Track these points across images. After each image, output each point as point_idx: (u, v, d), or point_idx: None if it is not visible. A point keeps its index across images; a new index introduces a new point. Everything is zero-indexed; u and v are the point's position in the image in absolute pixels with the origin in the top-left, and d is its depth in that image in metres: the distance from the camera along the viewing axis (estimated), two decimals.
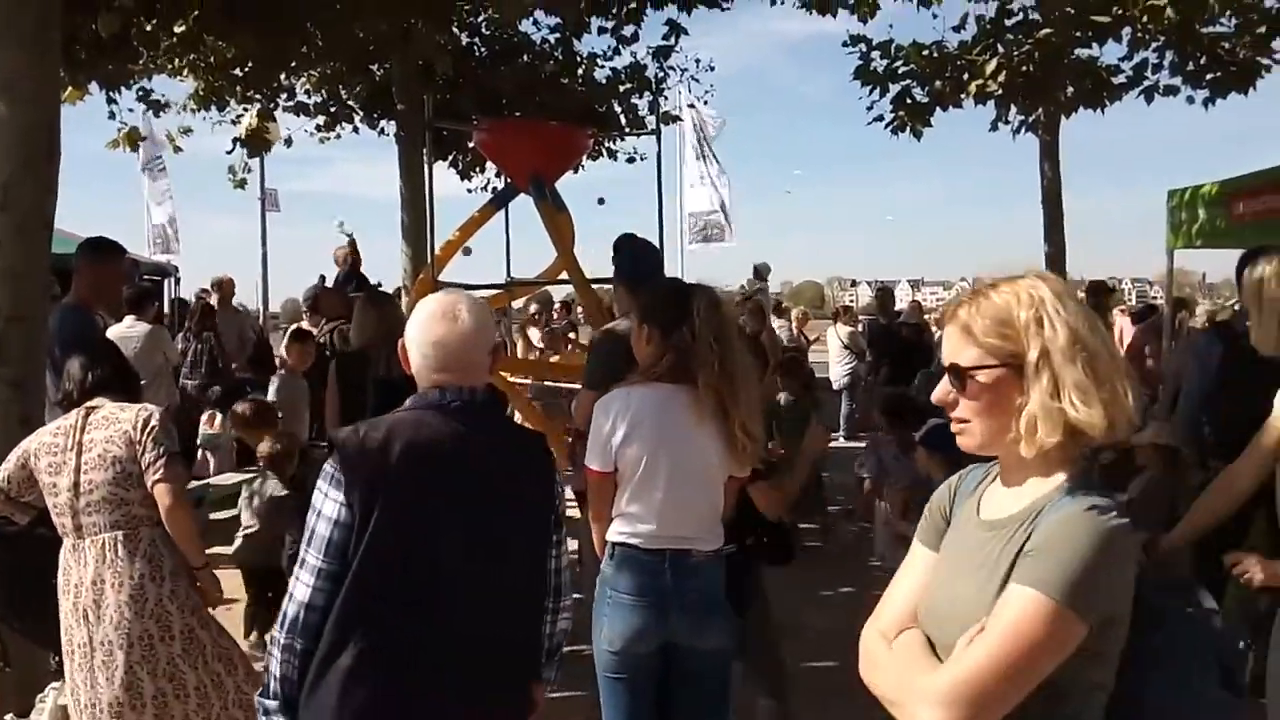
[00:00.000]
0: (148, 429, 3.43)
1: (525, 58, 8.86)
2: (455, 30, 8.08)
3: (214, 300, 9.85)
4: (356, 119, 9.16)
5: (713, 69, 10.65)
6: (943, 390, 1.75)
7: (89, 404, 3.54)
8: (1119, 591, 1.60)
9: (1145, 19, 8.77)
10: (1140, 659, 1.69)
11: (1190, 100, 9.22)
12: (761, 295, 12.22)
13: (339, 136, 9.47)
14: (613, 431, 3.12)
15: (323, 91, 8.78)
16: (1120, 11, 8.86)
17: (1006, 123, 10.14)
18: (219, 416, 8.19)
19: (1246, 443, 4.86)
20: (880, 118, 10.03)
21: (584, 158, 9.24)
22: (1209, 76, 9.03)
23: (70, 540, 3.46)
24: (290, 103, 9.16)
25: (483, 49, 8.84)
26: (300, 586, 2.22)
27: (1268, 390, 4.87)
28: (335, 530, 2.21)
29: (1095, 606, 1.55)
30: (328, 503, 2.23)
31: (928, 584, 1.81)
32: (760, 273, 12.39)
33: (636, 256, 4.86)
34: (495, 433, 2.47)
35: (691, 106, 12.95)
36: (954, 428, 1.77)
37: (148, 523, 3.42)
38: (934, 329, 14.02)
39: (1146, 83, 9.38)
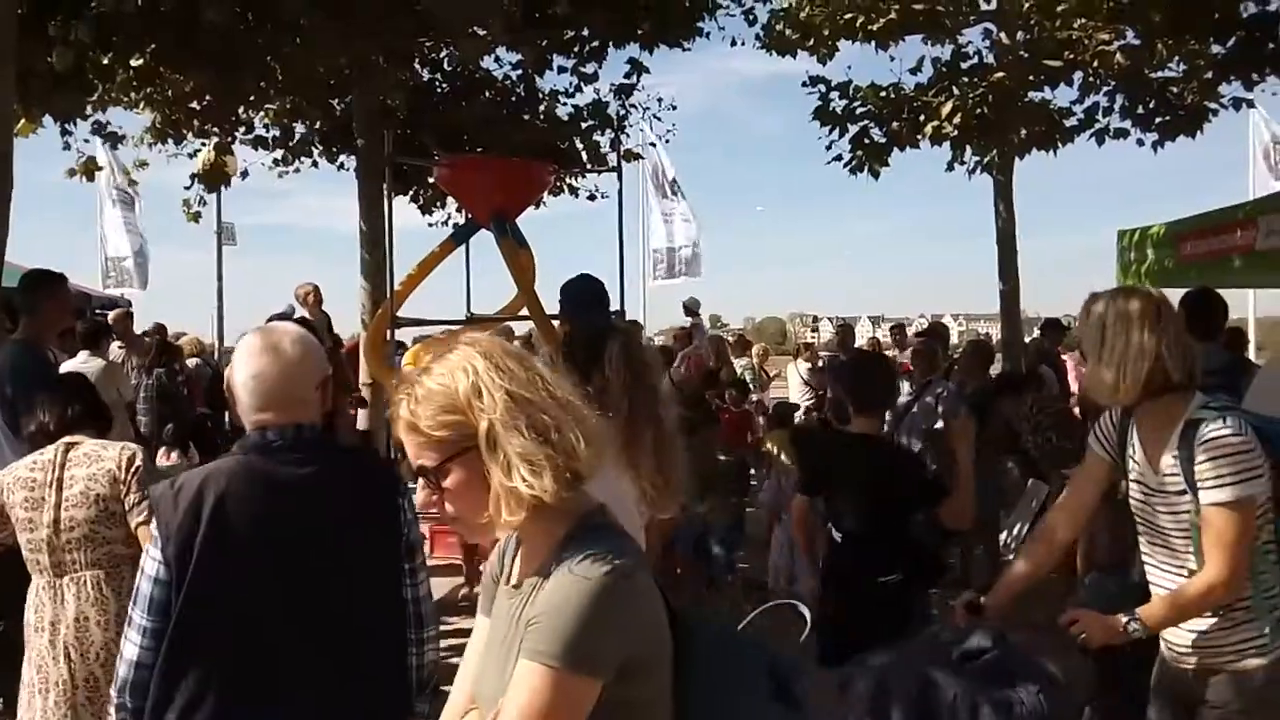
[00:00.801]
0: (133, 469, 3.38)
1: (487, 94, 8.88)
2: (417, 66, 8.10)
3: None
4: (315, 153, 9.12)
5: (674, 108, 10.75)
6: (423, 498, 1.66)
7: (67, 440, 3.46)
8: (635, 634, 1.54)
9: (1096, 64, 8.99)
10: (680, 680, 1.65)
11: (1140, 143, 9.44)
12: (697, 332, 12.31)
13: (297, 170, 9.44)
14: None
15: (281, 125, 8.74)
16: (1071, 56, 9.07)
17: (962, 163, 10.31)
18: (175, 453, 8.08)
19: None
20: (839, 157, 10.18)
21: (545, 194, 9.27)
22: (1158, 120, 9.25)
23: (45, 578, 3.37)
24: (248, 136, 9.11)
25: (444, 85, 8.85)
26: (129, 645, 2.21)
27: None
28: (155, 588, 2.20)
29: (605, 660, 1.50)
30: (148, 560, 2.22)
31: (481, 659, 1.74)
32: (690, 308, 12.48)
33: (574, 292, 4.93)
34: (325, 469, 2.39)
35: (653, 145, 13.03)
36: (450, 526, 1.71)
37: (129, 561, 3.34)
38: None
39: (1097, 125, 9.59)
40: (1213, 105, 9.09)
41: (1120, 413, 2.84)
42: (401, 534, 2.48)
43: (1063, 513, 3.00)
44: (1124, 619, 2.64)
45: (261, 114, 8.77)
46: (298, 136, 8.94)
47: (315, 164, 9.27)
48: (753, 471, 8.94)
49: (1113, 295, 2.74)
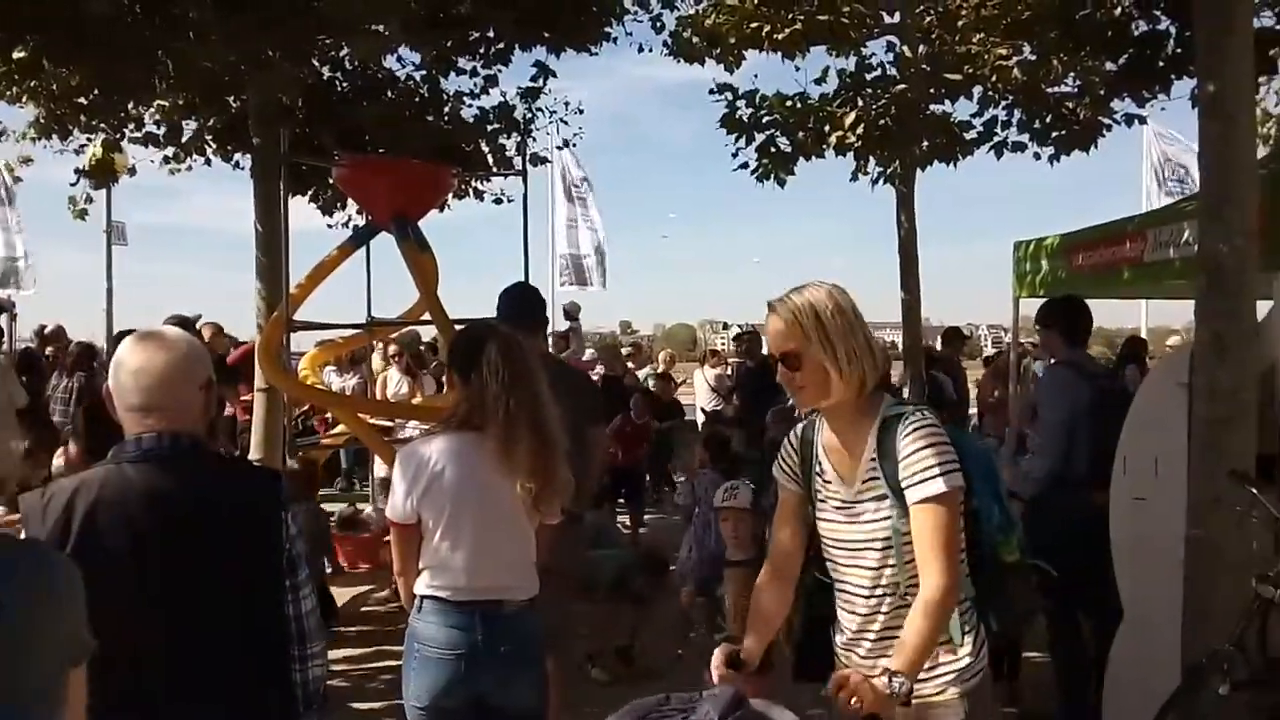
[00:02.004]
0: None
1: (389, 94, 8.71)
2: (315, 63, 7.88)
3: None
4: (209, 151, 8.84)
5: (581, 112, 10.68)
6: None
7: None
8: None
9: (994, 78, 9.16)
10: None
11: (1037, 156, 9.63)
12: (575, 336, 12.36)
13: (190, 169, 9.14)
14: (414, 483, 3.08)
15: (171, 122, 8.44)
16: (971, 70, 9.24)
17: (866, 173, 10.42)
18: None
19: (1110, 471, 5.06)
20: (746, 165, 10.21)
21: (449, 197, 9.13)
22: (1054, 134, 9.46)
23: None
24: (138, 133, 8.79)
25: (344, 83, 8.65)
26: None
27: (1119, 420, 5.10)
28: None
29: None
30: None
31: None
32: (569, 313, 12.53)
33: (511, 300, 4.94)
34: (204, 480, 2.32)
35: (560, 149, 12.94)
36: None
37: None
38: None
39: (996, 139, 9.77)
40: (1106, 121, 9.33)
41: (800, 432, 2.71)
42: (282, 549, 2.40)
43: (776, 559, 2.75)
44: (884, 679, 2.29)
45: (152, 109, 8.47)
46: (189, 133, 8.65)
47: (208, 162, 8.98)
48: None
49: (813, 289, 2.51)
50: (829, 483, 2.61)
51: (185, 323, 8.52)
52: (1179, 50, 7.03)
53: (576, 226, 16.84)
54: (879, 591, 2.53)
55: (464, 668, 3.07)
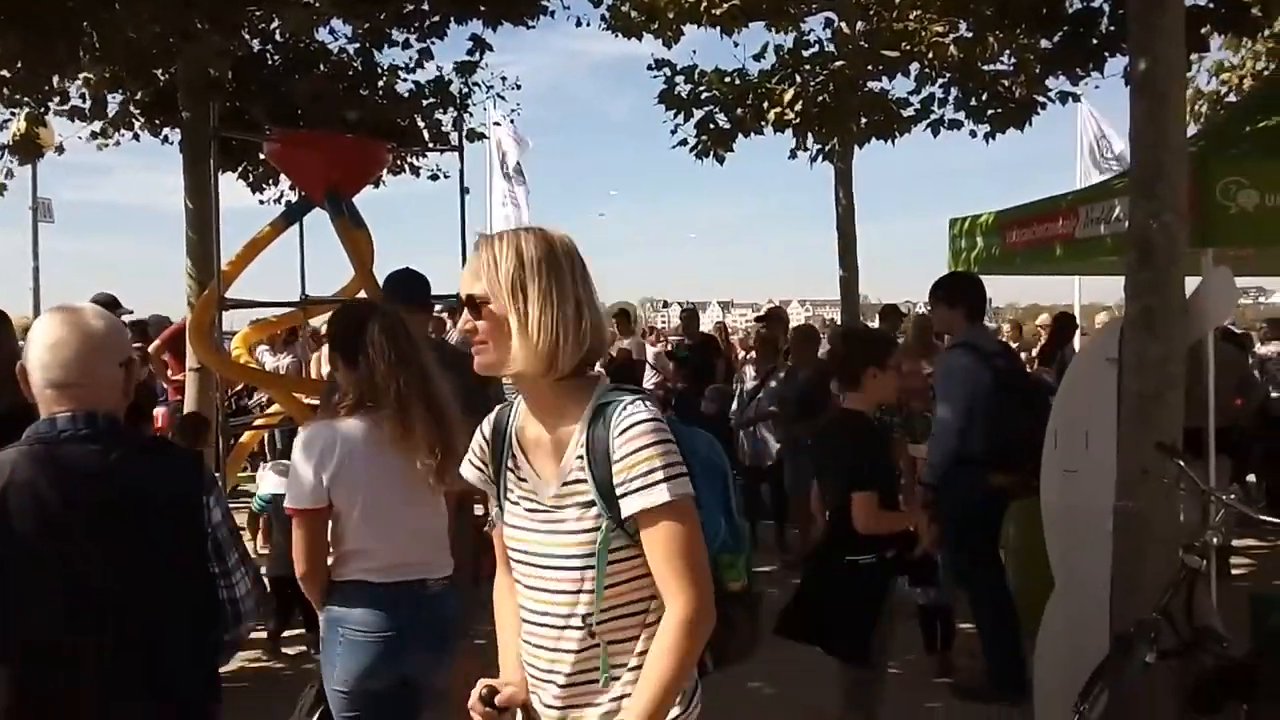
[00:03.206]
0: None
1: (322, 67, 8.53)
2: (245, 36, 7.70)
3: None
4: (137, 125, 8.61)
5: (519, 87, 10.60)
6: None
7: None
8: None
9: (931, 55, 9.22)
10: None
11: (973, 134, 9.73)
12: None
13: (118, 144, 8.91)
14: (322, 466, 3.03)
15: (97, 95, 8.20)
16: (908, 47, 9.29)
17: (805, 150, 10.47)
18: None
19: (1011, 453, 5.19)
20: (685, 141, 10.20)
21: (384, 172, 8.99)
22: (990, 112, 9.56)
23: None
24: (64, 107, 8.54)
25: (276, 56, 8.46)
26: None
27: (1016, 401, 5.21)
28: None
29: None
30: None
31: None
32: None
33: (395, 284, 5.00)
34: (122, 462, 2.24)
35: (497, 124, 12.81)
36: None
37: None
38: (739, 350, 14.35)
39: (933, 116, 9.86)
40: (1040, 99, 9.44)
41: (494, 416, 2.23)
42: (205, 533, 2.32)
43: (506, 565, 2.30)
44: None
45: (78, 83, 8.22)
46: (116, 107, 8.41)
47: (136, 137, 8.75)
48: None
49: (532, 230, 2.05)
50: (523, 480, 2.11)
51: (112, 303, 8.30)
52: (1112, 28, 7.12)
53: (507, 205, 16.69)
54: (574, 622, 2.03)
55: (391, 649, 3.05)
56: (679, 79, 9.96)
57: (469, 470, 2.25)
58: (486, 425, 2.23)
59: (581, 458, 2.00)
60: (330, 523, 3.11)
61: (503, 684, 2.18)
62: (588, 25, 9.77)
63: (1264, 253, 5.87)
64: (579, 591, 2.01)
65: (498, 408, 2.24)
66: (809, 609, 4.08)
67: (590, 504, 1.99)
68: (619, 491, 1.94)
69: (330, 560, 3.16)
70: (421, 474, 3.07)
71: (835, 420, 4.33)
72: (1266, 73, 11.99)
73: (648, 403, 2.01)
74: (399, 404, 3.04)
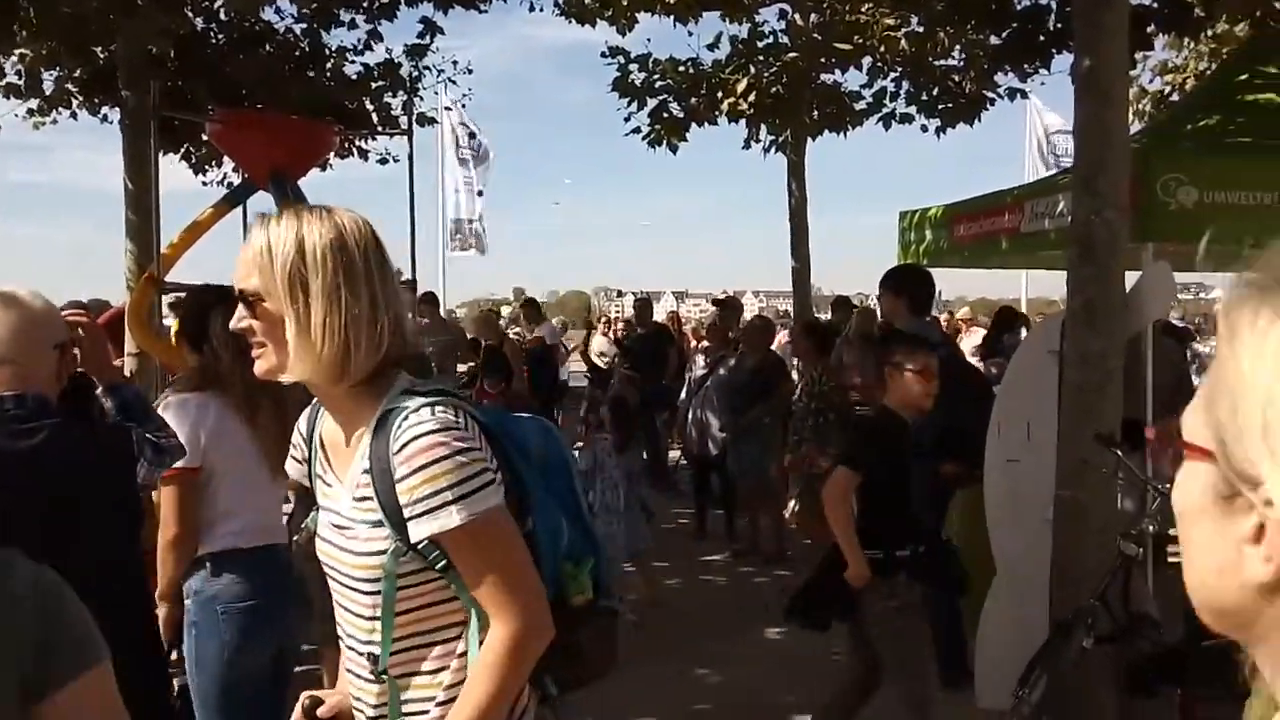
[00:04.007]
0: None
1: (268, 47, 8.38)
2: (189, 13, 7.54)
3: None
4: (75, 104, 8.40)
5: (470, 71, 10.48)
6: None
7: None
8: None
9: (883, 49, 9.27)
10: None
11: (924, 129, 9.79)
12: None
13: (55, 123, 8.68)
14: (199, 427, 3.07)
15: (33, 72, 7.99)
16: (861, 41, 9.33)
17: (758, 141, 10.49)
18: None
19: (956, 444, 5.25)
20: (638, 130, 10.18)
21: (332, 156, 8.86)
22: (940, 107, 9.62)
23: None
24: None
25: (220, 35, 8.30)
26: None
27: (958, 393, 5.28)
28: None
29: None
30: None
31: None
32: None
33: None
34: (54, 440, 2.27)
35: (449, 109, 12.69)
36: None
37: None
38: (691, 340, 14.38)
39: (884, 110, 9.90)
40: (990, 95, 9.52)
41: (308, 415, 2.00)
42: (138, 507, 2.38)
43: None
44: None
45: (13, 59, 8.01)
46: (54, 85, 8.20)
47: (74, 115, 8.54)
48: None
49: (308, 219, 1.74)
50: (329, 486, 1.90)
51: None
52: (1060, 25, 7.20)
53: (460, 191, 16.54)
54: (370, 651, 1.81)
55: (268, 614, 3.08)
56: (633, 67, 9.94)
57: (293, 466, 2.04)
58: (303, 419, 2.01)
59: (367, 472, 1.76)
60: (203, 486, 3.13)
61: (329, 694, 1.99)
62: (541, 11, 9.69)
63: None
64: (373, 618, 1.79)
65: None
66: (815, 596, 4.12)
67: (379, 523, 1.75)
68: (405, 515, 1.70)
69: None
70: (264, 458, 3.12)
71: (866, 416, 4.36)
72: (1208, 73, 12.20)
73: (439, 408, 1.72)
74: (245, 394, 3.08)
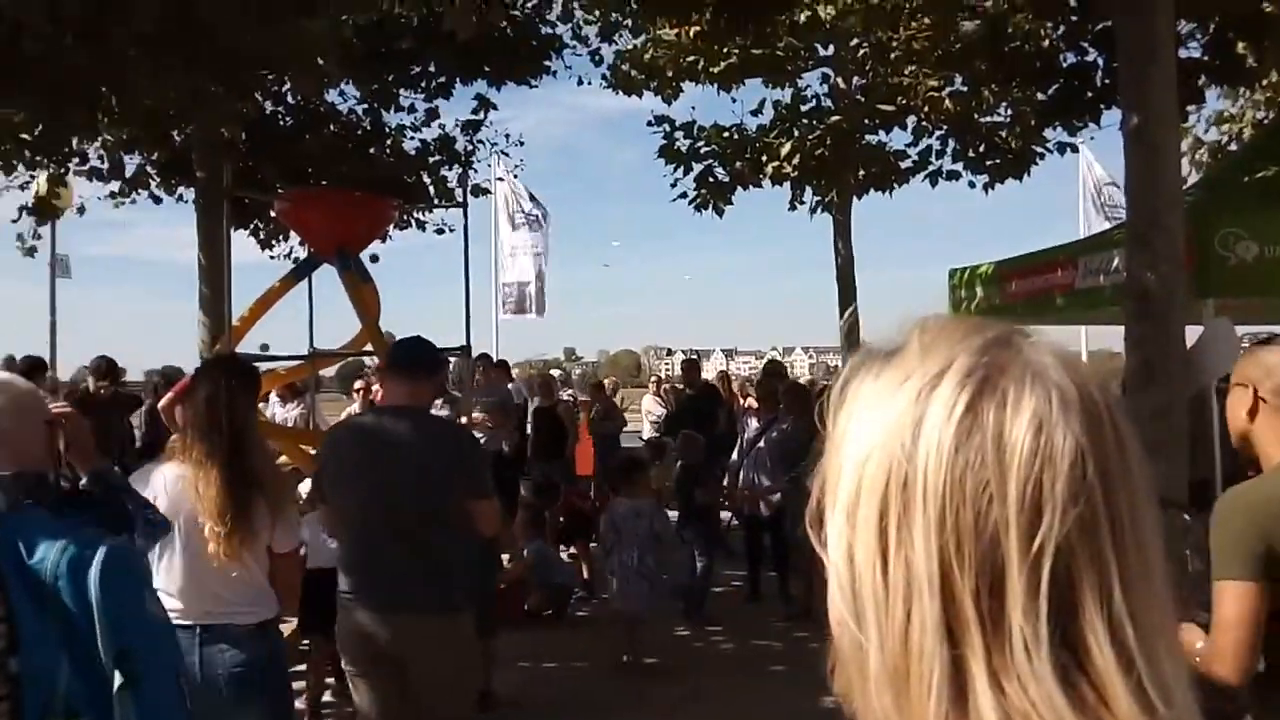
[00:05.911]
0: None
1: (331, 127, 8.70)
2: (258, 98, 7.86)
3: None
4: (153, 185, 8.75)
5: (522, 144, 10.76)
6: None
7: None
8: None
9: (927, 109, 9.37)
10: None
11: (971, 185, 9.85)
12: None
13: (134, 202, 9.05)
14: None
15: (114, 158, 8.35)
16: (904, 101, 9.45)
17: (802, 202, 10.61)
18: None
19: None
20: (684, 194, 10.34)
21: (391, 228, 9.11)
22: (988, 163, 9.69)
23: None
24: (83, 167, 8.69)
25: (286, 118, 8.63)
26: None
27: None
28: None
29: None
30: None
31: None
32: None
33: (404, 350, 5.07)
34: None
35: (501, 180, 12.97)
36: None
37: None
38: (740, 398, 14.35)
39: (930, 168, 9.99)
40: (1038, 149, 9.57)
41: None
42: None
43: None
44: None
45: (96, 144, 8.38)
46: (134, 168, 8.56)
47: (154, 197, 8.89)
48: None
49: None
50: None
51: (39, 366, 8.28)
52: (1107, 80, 7.25)
53: (517, 255, 16.79)
54: None
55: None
56: (679, 134, 10.13)
57: None
58: None
59: None
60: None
61: None
62: (589, 84, 9.96)
63: (1269, 303, 5.92)
64: None
65: None
66: None
67: None
68: None
69: None
70: (208, 536, 3.11)
71: None
72: (1265, 121, 12.10)
73: None
74: (195, 468, 3.13)
